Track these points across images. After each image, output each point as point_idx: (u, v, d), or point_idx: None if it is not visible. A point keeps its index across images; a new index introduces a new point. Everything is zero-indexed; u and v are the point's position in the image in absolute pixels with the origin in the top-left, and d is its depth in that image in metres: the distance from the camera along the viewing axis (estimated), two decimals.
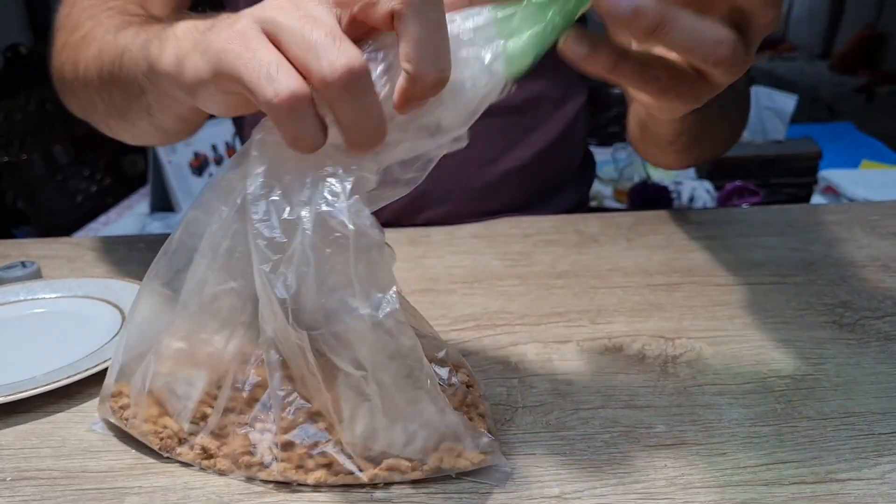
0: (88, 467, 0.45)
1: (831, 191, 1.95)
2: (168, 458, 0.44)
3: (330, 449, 0.42)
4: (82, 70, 0.63)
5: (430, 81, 0.37)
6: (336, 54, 0.36)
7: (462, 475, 0.42)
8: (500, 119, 0.84)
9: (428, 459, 0.42)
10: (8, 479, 0.44)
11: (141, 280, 0.46)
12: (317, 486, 0.42)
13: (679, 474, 0.42)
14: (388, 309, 0.39)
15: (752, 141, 2.14)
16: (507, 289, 0.66)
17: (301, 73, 0.37)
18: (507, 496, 0.41)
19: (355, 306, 0.39)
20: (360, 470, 0.41)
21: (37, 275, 0.69)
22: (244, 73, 0.37)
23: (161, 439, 0.44)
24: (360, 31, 0.39)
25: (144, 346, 0.46)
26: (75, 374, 0.51)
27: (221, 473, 0.43)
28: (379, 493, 0.41)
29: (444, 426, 0.42)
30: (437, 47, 0.37)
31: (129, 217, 1.90)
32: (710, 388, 0.50)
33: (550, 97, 0.86)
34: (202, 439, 0.44)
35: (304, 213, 0.39)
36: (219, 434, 0.44)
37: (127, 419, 0.46)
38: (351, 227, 0.39)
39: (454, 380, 0.46)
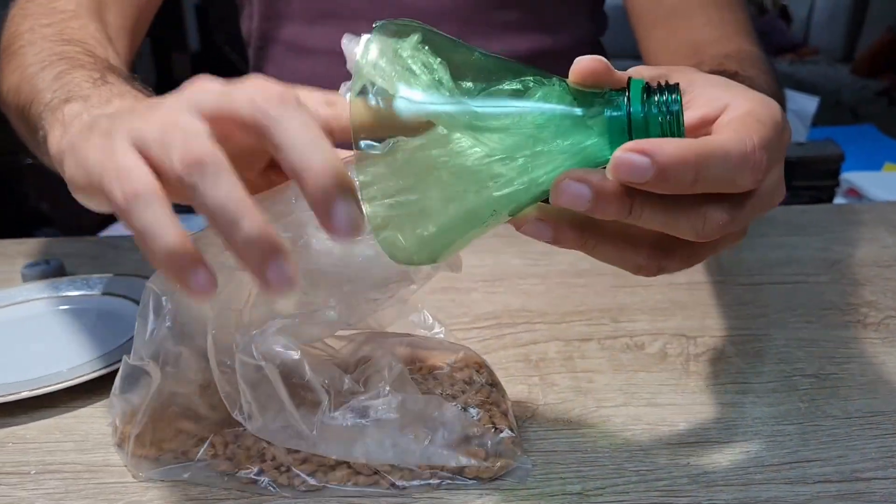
0: (111, 461, 0.45)
1: (854, 193, 1.93)
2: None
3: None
4: (4, 91, 0.60)
5: (319, 170, 0.32)
6: (185, 149, 0.32)
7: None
8: None
9: (448, 466, 0.42)
10: (32, 472, 0.44)
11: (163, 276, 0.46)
12: (340, 483, 0.42)
13: (702, 472, 0.42)
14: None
15: None
16: (528, 287, 0.66)
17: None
18: (529, 492, 0.41)
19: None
20: (381, 475, 0.42)
21: (60, 272, 0.69)
22: (106, 185, 0.34)
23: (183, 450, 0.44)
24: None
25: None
26: (98, 370, 0.51)
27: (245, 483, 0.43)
28: (400, 489, 0.41)
29: (463, 431, 0.42)
30: (314, 147, 0.32)
31: None
32: (733, 387, 0.50)
33: None
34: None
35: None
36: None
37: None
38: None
39: (476, 379, 0.46)
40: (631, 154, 0.32)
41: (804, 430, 0.45)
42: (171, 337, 0.42)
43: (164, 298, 0.43)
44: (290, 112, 0.33)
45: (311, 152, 0.32)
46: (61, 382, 0.50)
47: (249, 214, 0.32)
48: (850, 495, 0.40)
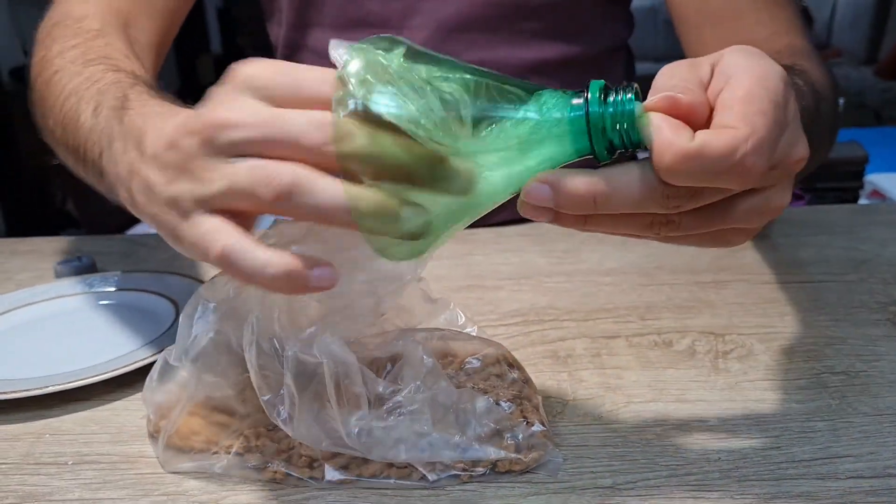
0: (147, 453, 0.46)
1: (878, 195, 1.92)
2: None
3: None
4: (50, 127, 0.61)
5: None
6: (267, 187, 0.35)
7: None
8: None
9: (480, 461, 0.42)
10: (70, 462, 0.45)
11: (192, 274, 0.47)
12: (372, 476, 0.42)
13: (733, 467, 0.42)
14: None
15: None
16: (554, 285, 0.66)
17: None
18: (560, 486, 0.41)
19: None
20: (412, 469, 0.42)
21: (92, 269, 0.70)
22: (199, 255, 0.38)
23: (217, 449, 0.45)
24: None
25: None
26: (132, 364, 0.52)
27: (275, 480, 0.43)
28: (431, 482, 0.42)
29: (495, 425, 0.42)
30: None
31: None
32: (762, 384, 0.50)
33: None
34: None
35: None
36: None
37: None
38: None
39: (508, 374, 0.47)
40: (537, 185, 0.35)
41: (835, 427, 0.45)
42: (213, 346, 0.43)
43: (211, 306, 0.43)
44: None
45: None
46: (96, 375, 0.51)
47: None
48: (882, 491, 0.40)
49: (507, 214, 0.84)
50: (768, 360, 0.53)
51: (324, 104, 0.35)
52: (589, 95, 0.35)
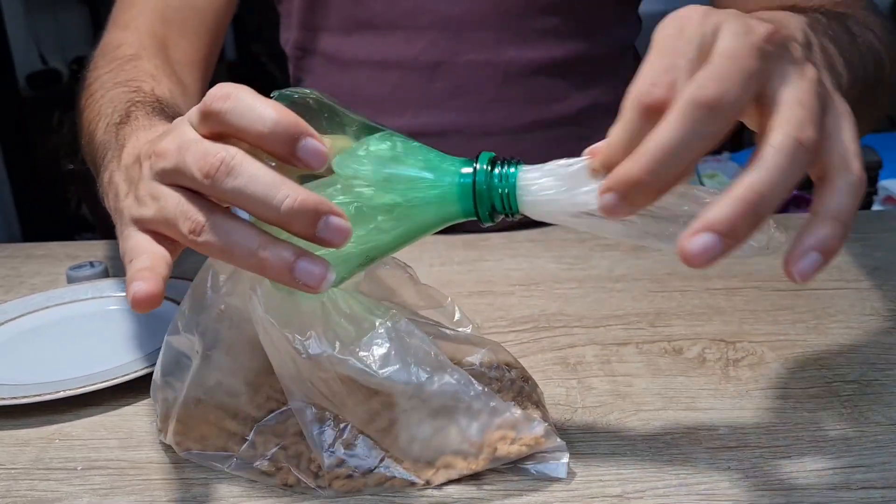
0: (156, 458, 0.46)
1: (892, 201, 1.90)
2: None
3: (382, 469, 0.42)
4: (84, 145, 0.65)
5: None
6: (198, 163, 0.38)
7: (522, 464, 0.42)
8: (554, 131, 0.84)
9: (482, 453, 0.42)
10: (79, 468, 0.45)
11: None
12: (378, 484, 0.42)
13: (743, 476, 0.42)
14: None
15: None
16: (565, 291, 0.66)
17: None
18: (568, 494, 0.41)
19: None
20: (416, 476, 0.42)
21: (104, 274, 0.71)
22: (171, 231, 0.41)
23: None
24: None
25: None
26: (142, 369, 0.52)
27: (285, 484, 0.43)
28: (438, 492, 0.42)
29: (494, 417, 0.42)
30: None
31: None
32: (773, 392, 0.50)
33: (605, 105, 0.86)
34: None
35: None
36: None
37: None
38: None
39: (507, 375, 0.46)
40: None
41: (847, 436, 0.45)
42: (223, 320, 0.43)
43: (221, 277, 0.44)
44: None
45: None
46: (106, 381, 0.51)
47: (283, 185, 0.37)
48: (895, 502, 0.40)
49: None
50: (779, 368, 0.53)
51: (248, 138, 0.38)
52: (478, 166, 0.40)
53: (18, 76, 2.75)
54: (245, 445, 0.44)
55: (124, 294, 0.66)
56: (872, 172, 1.91)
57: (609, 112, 0.95)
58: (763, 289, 0.65)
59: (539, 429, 0.42)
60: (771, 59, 0.34)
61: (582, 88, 0.85)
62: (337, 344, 0.41)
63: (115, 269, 0.73)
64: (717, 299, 0.63)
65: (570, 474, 0.42)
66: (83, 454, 0.47)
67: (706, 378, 0.52)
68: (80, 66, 2.97)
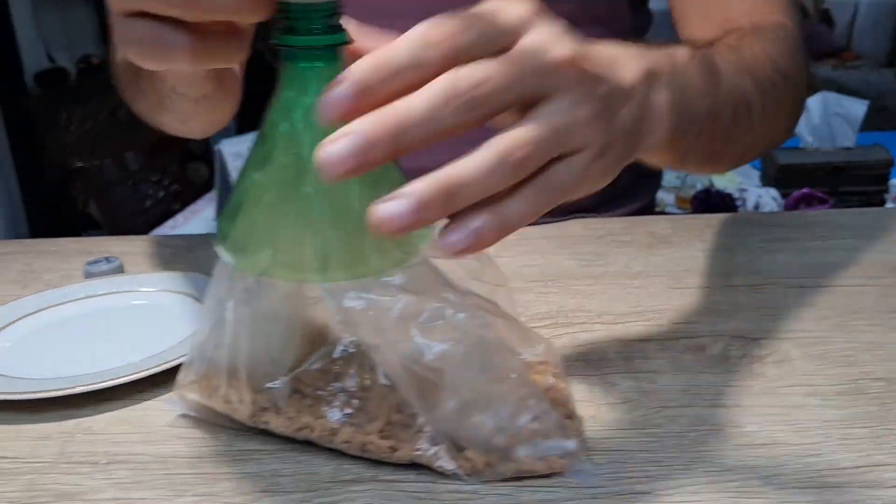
0: (179, 453, 0.46)
1: None
2: (255, 445, 0.45)
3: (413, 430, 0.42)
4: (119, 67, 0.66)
5: None
6: None
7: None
8: None
9: (508, 460, 0.42)
10: (102, 462, 0.45)
11: None
12: (398, 465, 0.42)
13: (773, 474, 0.41)
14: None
15: (820, 148, 2.08)
16: (583, 288, 0.66)
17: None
18: (598, 491, 0.41)
19: None
20: (446, 456, 0.42)
21: (120, 270, 0.70)
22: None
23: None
24: None
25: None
26: (162, 364, 0.52)
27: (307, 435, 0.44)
28: (466, 485, 0.41)
29: (529, 423, 0.42)
30: None
31: (197, 221, 1.94)
32: (800, 389, 0.49)
33: None
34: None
35: None
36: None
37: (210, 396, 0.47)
38: None
39: (549, 381, 0.46)
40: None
41: (876, 434, 0.45)
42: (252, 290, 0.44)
43: None
44: None
45: None
46: (127, 375, 0.51)
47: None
48: None
49: (563, 206, 0.84)
50: (805, 365, 0.52)
51: None
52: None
53: (26, 75, 2.75)
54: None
55: (141, 290, 0.66)
56: (883, 171, 1.91)
57: None
58: (784, 286, 0.64)
59: (570, 449, 0.42)
60: (560, 81, 0.36)
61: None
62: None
63: (130, 265, 0.73)
64: (737, 296, 0.63)
65: (599, 470, 0.42)
66: (105, 448, 0.46)
67: (731, 375, 0.51)
68: (87, 64, 2.98)
